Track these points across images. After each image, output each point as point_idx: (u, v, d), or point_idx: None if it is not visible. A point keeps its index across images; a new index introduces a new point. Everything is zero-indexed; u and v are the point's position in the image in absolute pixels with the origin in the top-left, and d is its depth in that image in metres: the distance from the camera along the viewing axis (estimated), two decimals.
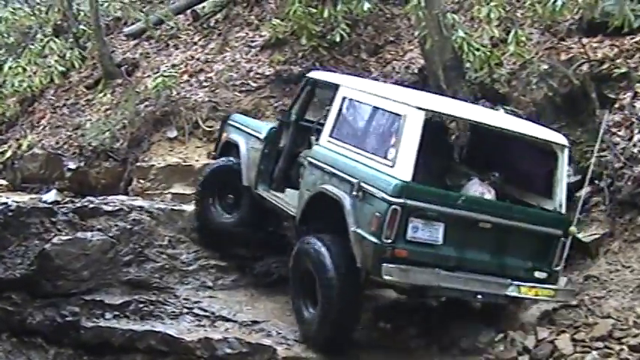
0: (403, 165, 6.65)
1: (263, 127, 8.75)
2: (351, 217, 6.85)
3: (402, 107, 6.91)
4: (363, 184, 6.82)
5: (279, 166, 8.38)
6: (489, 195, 7.45)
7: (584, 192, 8.18)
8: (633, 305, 7.13)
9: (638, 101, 8.50)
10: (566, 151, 7.34)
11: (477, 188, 7.51)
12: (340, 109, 7.62)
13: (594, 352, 6.59)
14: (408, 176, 6.61)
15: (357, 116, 7.52)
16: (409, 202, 6.57)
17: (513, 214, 7.06)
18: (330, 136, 7.58)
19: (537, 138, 7.34)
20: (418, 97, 7.31)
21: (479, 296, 6.99)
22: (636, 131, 8.24)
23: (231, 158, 8.97)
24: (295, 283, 7.63)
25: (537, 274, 7.16)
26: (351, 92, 7.63)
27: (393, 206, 6.53)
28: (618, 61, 8.97)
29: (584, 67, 9.11)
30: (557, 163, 7.27)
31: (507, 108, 9.11)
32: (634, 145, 8.20)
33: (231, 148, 9.05)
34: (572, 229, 7.19)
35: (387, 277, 6.57)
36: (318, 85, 8.34)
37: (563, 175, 7.29)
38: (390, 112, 7.02)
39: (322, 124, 7.86)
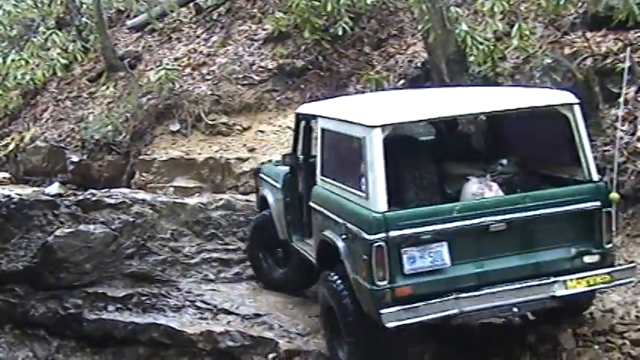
0: (375, 194, 5.85)
1: (280, 175, 8.07)
2: (348, 264, 6.18)
3: (358, 129, 6.13)
4: (348, 225, 6.13)
5: (305, 213, 7.53)
6: (490, 191, 6.51)
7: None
8: (636, 300, 7.09)
9: None
10: (577, 108, 6.30)
11: (475, 190, 6.57)
12: (322, 143, 6.94)
13: (596, 347, 6.58)
14: (382, 206, 5.82)
15: (334, 147, 6.81)
16: (392, 233, 5.77)
17: (529, 203, 6.09)
18: (322, 174, 6.93)
19: (539, 106, 6.39)
20: (376, 111, 6.38)
21: (515, 309, 6.02)
22: None
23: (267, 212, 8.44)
24: (325, 322, 6.93)
25: (587, 259, 6.16)
26: (325, 122, 6.93)
27: (375, 244, 5.75)
28: (622, 55, 8.94)
29: (588, 61, 9.08)
30: (571, 125, 6.28)
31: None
32: (638, 140, 8.18)
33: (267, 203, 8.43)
34: (614, 195, 6.23)
35: (390, 325, 5.76)
36: (307, 118, 7.64)
37: (583, 135, 6.28)
38: (352, 136, 6.27)
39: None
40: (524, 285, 5.99)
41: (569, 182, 6.45)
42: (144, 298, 8.43)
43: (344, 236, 6.21)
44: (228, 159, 11.50)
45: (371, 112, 6.44)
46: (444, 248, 5.93)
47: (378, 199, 5.84)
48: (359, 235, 5.94)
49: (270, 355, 7.57)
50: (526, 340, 6.96)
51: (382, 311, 5.74)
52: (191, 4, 14.90)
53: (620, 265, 6.59)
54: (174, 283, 8.75)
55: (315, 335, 7.63)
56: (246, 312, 8.17)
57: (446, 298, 5.82)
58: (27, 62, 13.67)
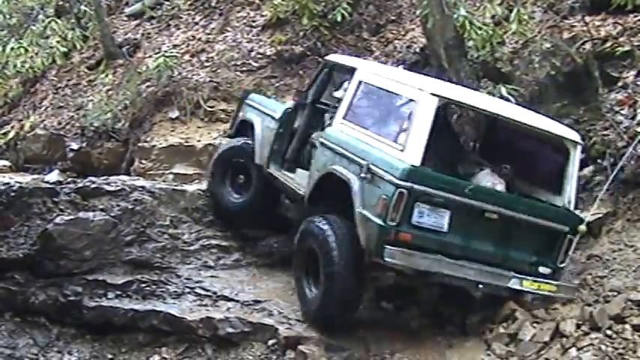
0: (413, 149, 6.67)
1: (279, 107, 8.79)
2: (357, 199, 6.88)
3: (415, 92, 6.93)
4: (371, 167, 6.84)
5: (292, 147, 8.38)
6: (500, 186, 7.43)
7: (587, 171, 8.18)
8: (636, 284, 7.10)
9: None
10: (579, 147, 7.29)
11: (489, 179, 7.49)
12: (355, 93, 7.62)
13: (597, 333, 6.57)
14: (417, 161, 6.63)
15: (372, 100, 7.54)
16: (416, 186, 6.58)
17: (521, 206, 7.02)
18: (344, 118, 7.60)
19: (550, 132, 7.29)
20: (433, 84, 7.31)
21: (480, 286, 6.97)
22: (639, 110, 8.20)
23: (246, 139, 8.97)
24: (299, 262, 7.65)
25: (541, 269, 7.16)
26: (367, 76, 7.63)
27: (400, 189, 6.55)
28: (621, 39, 8.91)
29: (587, 46, 9.06)
30: (569, 160, 7.24)
31: (509, 87, 9.04)
32: (637, 124, 8.16)
33: (247, 127, 9.07)
34: (582, 227, 7.15)
35: (389, 260, 6.60)
36: (336, 68, 8.33)
37: (574, 171, 7.25)
38: (404, 96, 7.06)
39: (336, 107, 7.86)
40: (493, 270, 6.96)
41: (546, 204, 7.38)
42: (143, 285, 8.43)
43: (362, 175, 6.87)
44: None
45: (428, 81, 7.45)
46: (447, 215, 6.79)
47: (414, 154, 6.65)
48: (385, 177, 6.67)
49: (270, 342, 7.59)
50: (526, 323, 7.00)
51: (387, 246, 6.56)
52: None
53: (567, 282, 7.43)
54: (174, 270, 8.74)
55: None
56: (246, 298, 8.20)
57: (433, 257, 6.69)
58: (26, 50, 13.60)
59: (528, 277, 7.04)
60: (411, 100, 6.91)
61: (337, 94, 8.19)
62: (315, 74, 8.73)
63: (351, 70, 7.86)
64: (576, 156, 7.25)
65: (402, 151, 6.74)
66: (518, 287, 7.02)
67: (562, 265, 7.22)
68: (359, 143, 7.19)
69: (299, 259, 7.64)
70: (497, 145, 8.20)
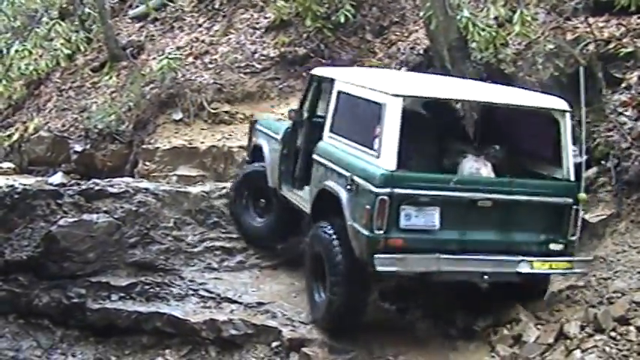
0: (387, 154, 6.59)
1: (281, 128, 8.75)
2: (347, 212, 6.86)
3: (381, 96, 6.85)
4: (354, 178, 6.81)
5: (298, 165, 8.30)
6: (485, 169, 7.25)
7: (590, 172, 8.16)
8: None
9: None
10: (568, 115, 7.11)
11: (472, 164, 7.32)
12: (337, 104, 7.59)
13: (600, 334, 6.56)
14: (392, 165, 6.55)
15: (350, 109, 7.45)
16: (397, 190, 6.52)
17: (514, 188, 6.89)
18: (331, 131, 7.58)
19: (535, 107, 7.19)
20: (398, 83, 7.20)
21: (485, 277, 6.87)
22: None
23: (262, 164, 8.96)
24: (309, 268, 7.63)
25: (553, 247, 6.99)
26: (343, 86, 7.57)
27: (380, 197, 6.50)
28: (625, 40, 8.89)
29: (591, 47, 9.03)
30: (560, 129, 7.08)
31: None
32: None
33: (260, 153, 9.05)
34: (582, 195, 6.97)
35: (381, 269, 6.56)
36: (321, 80, 8.28)
37: (568, 140, 7.07)
38: (373, 101, 6.96)
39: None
40: (497, 258, 6.82)
41: (548, 179, 7.21)
42: (147, 287, 8.46)
43: (348, 187, 6.87)
44: (231, 147, 11.49)
45: (393, 83, 7.26)
46: (436, 212, 6.70)
47: (389, 159, 6.56)
48: (365, 187, 6.65)
49: (274, 344, 7.60)
50: (530, 325, 6.99)
51: (376, 255, 6.51)
52: None
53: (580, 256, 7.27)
54: (178, 272, 8.76)
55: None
56: (250, 300, 8.21)
57: (429, 256, 6.61)
58: (30, 53, 13.61)
59: (538, 259, 6.88)
60: (379, 104, 6.82)
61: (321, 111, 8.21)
62: (304, 90, 8.69)
63: (331, 81, 7.83)
64: (566, 124, 7.08)
65: (377, 157, 6.68)
66: (528, 270, 6.86)
67: (573, 238, 7.03)
68: (344, 155, 7.17)
69: (309, 264, 7.62)
70: (490, 129, 8.06)
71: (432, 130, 7.88)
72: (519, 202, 6.90)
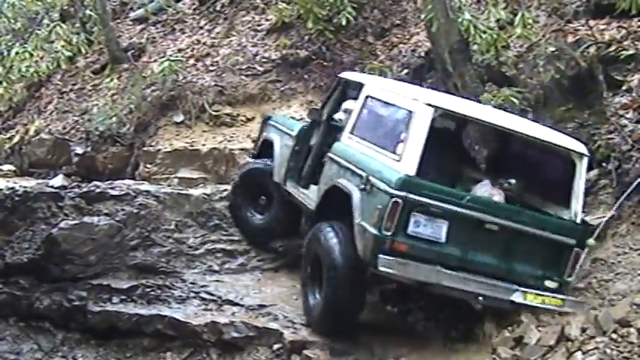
0: (408, 159, 6.68)
1: (296, 126, 8.87)
2: (357, 210, 6.90)
3: (412, 103, 6.97)
4: (370, 178, 6.86)
5: (308, 164, 8.39)
6: (498, 197, 7.35)
7: (591, 174, 8.16)
8: None
9: None
10: (585, 159, 7.18)
11: (487, 189, 7.43)
12: (362, 108, 7.68)
13: (601, 336, 6.55)
14: (412, 170, 6.63)
15: (376, 114, 7.54)
16: (411, 196, 6.57)
17: (522, 218, 6.94)
18: (351, 132, 7.65)
19: (555, 144, 7.21)
20: (430, 95, 7.31)
21: (480, 298, 6.89)
22: None
23: (267, 160, 9.04)
24: (305, 269, 7.65)
25: (548, 283, 7.05)
26: (373, 90, 7.69)
27: (394, 199, 6.55)
28: (626, 43, 8.90)
29: (592, 50, 9.05)
30: (576, 172, 7.14)
31: (513, 90, 9.02)
32: None
33: (268, 147, 9.12)
34: (591, 242, 7.09)
35: (383, 269, 6.59)
36: (348, 84, 8.36)
37: (581, 184, 7.14)
38: (402, 108, 7.07)
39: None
40: (494, 283, 6.86)
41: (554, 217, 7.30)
42: (148, 289, 8.44)
43: (362, 186, 6.91)
44: (232, 150, 11.51)
45: (425, 93, 7.50)
46: (444, 225, 6.74)
47: (410, 164, 6.66)
48: (381, 187, 6.70)
49: (275, 346, 7.58)
50: (531, 327, 6.99)
51: (380, 255, 6.54)
52: None
53: (574, 297, 7.26)
54: (179, 274, 8.75)
55: None
56: (251, 303, 8.19)
57: (431, 267, 6.65)
58: (31, 55, 13.65)
59: (532, 291, 6.94)
60: (408, 111, 6.94)
61: (337, 115, 8.28)
62: (329, 92, 8.79)
63: (360, 86, 7.91)
64: (582, 168, 7.15)
65: (398, 161, 6.77)
66: (521, 301, 6.91)
67: (569, 280, 7.11)
68: (362, 156, 7.25)
69: (305, 265, 7.65)
70: (505, 159, 8.16)
71: (451, 152, 8.09)
72: (525, 233, 6.93)
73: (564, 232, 7.05)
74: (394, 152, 6.88)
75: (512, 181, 7.56)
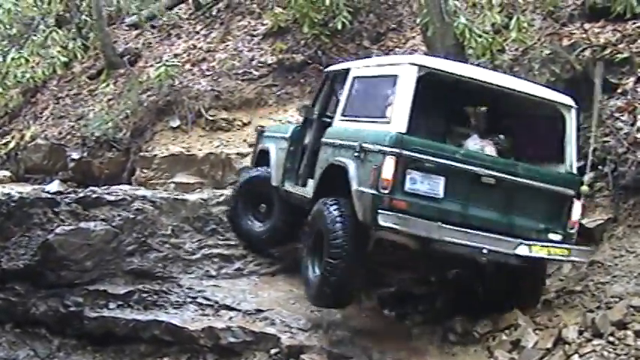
0: (398, 119, 6.73)
1: (289, 128, 8.91)
2: (354, 179, 6.91)
3: (396, 67, 7.06)
4: (363, 145, 6.89)
5: (304, 162, 8.39)
6: (489, 148, 7.36)
7: (587, 177, 8.17)
8: (638, 290, 7.08)
9: None
10: (574, 111, 7.22)
11: (477, 142, 7.43)
12: (350, 90, 7.73)
13: (599, 339, 6.56)
14: (402, 128, 6.68)
15: (364, 91, 7.61)
16: (404, 152, 6.61)
17: (518, 170, 6.95)
18: (342, 115, 7.72)
19: (543, 98, 7.24)
20: (414, 56, 7.45)
21: (485, 251, 6.74)
22: (639, 116, 8.20)
23: (265, 168, 9.04)
24: (307, 243, 7.62)
25: (552, 236, 7.02)
26: (358, 71, 7.78)
27: (388, 156, 6.59)
28: (620, 46, 8.92)
29: (587, 53, 9.07)
30: (566, 125, 7.17)
31: None
32: (637, 130, 8.17)
33: (265, 156, 9.13)
34: (584, 188, 7.09)
35: (383, 224, 6.55)
36: (336, 75, 8.39)
37: (572, 136, 7.17)
38: (388, 74, 7.14)
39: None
40: (497, 236, 6.79)
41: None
42: (145, 295, 8.44)
43: (356, 155, 6.94)
44: (229, 154, 11.49)
45: (409, 56, 7.56)
46: (441, 181, 6.77)
47: (400, 123, 6.70)
48: (374, 149, 6.75)
49: (273, 351, 7.58)
50: (528, 330, 6.99)
51: (380, 211, 6.53)
52: (190, 0, 14.90)
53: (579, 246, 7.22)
54: (176, 279, 8.75)
55: (317, 330, 7.64)
56: (248, 308, 8.19)
57: (431, 222, 6.59)
58: (27, 60, 13.60)
59: (537, 243, 6.88)
60: (394, 76, 6.98)
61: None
62: (318, 88, 8.80)
63: (346, 72, 7.98)
64: (572, 120, 7.17)
65: (388, 123, 6.81)
66: (527, 253, 6.84)
67: (572, 231, 7.07)
68: (354, 131, 7.29)
69: (307, 240, 7.62)
70: (494, 117, 8.08)
71: (439, 110, 8.04)
72: (522, 186, 6.93)
73: (562, 183, 7.06)
74: (384, 117, 6.92)
75: (502, 136, 7.57)
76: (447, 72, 7.16)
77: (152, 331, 8.08)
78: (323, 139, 7.79)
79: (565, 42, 9.48)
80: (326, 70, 8.76)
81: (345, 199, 7.06)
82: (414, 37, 12.00)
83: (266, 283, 8.80)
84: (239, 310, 8.17)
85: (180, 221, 9.32)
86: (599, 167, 8.39)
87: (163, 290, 8.53)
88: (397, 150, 6.59)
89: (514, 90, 7.21)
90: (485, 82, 7.17)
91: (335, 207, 7.12)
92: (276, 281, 8.86)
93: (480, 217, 6.87)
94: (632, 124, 8.27)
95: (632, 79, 8.59)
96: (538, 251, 6.88)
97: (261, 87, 12.54)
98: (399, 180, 6.63)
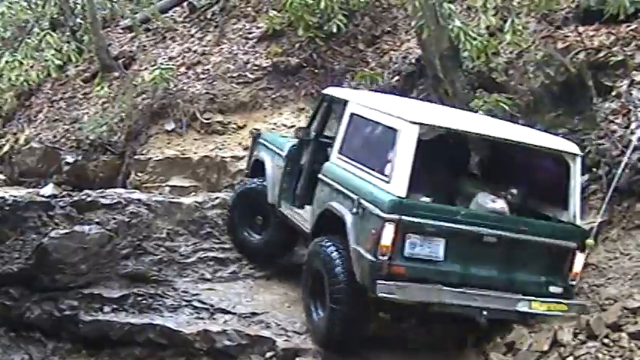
0: (398, 180, 6.54)
1: (286, 145, 8.68)
2: (351, 235, 6.78)
3: (397, 121, 6.83)
4: (362, 201, 6.74)
5: (301, 184, 8.20)
6: (500, 204, 7.16)
7: (582, 180, 8.17)
8: (632, 292, 7.09)
9: (634, 89, 8.46)
10: (579, 159, 7.13)
11: (487, 199, 7.25)
12: (348, 126, 7.54)
13: (593, 341, 6.57)
14: (402, 192, 6.50)
15: (362, 132, 7.41)
16: (404, 218, 6.45)
17: (521, 227, 6.86)
18: (340, 152, 7.53)
19: (547, 148, 7.15)
20: (415, 111, 7.18)
21: (484, 312, 6.78)
22: (633, 119, 8.22)
23: (262, 179, 8.93)
24: (306, 284, 7.54)
25: (552, 289, 6.97)
26: (357, 108, 7.54)
27: (387, 222, 6.42)
28: (615, 49, 8.94)
29: (581, 55, 9.09)
30: (570, 173, 7.07)
31: (503, 97, 9.05)
32: (631, 133, 8.17)
33: (262, 166, 9.01)
34: (589, 241, 7.02)
35: (381, 295, 6.45)
36: (333, 101, 8.22)
37: (577, 184, 7.09)
38: (388, 126, 6.93)
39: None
40: (497, 295, 6.77)
41: (553, 221, 7.22)
42: (140, 298, 8.41)
43: (355, 210, 6.78)
44: (224, 157, 11.50)
45: (410, 109, 7.20)
46: (441, 243, 6.62)
47: (399, 185, 6.51)
48: (373, 212, 6.55)
49: (268, 354, 7.57)
50: (522, 332, 6.99)
51: (378, 282, 6.40)
52: (185, 4, 14.89)
53: (577, 300, 7.22)
54: (171, 283, 8.73)
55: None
56: (243, 311, 8.17)
57: (431, 287, 6.53)
58: (21, 63, 13.61)
59: (537, 299, 6.86)
60: (394, 130, 6.78)
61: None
62: (314, 109, 8.68)
63: (344, 103, 7.77)
64: (577, 168, 7.09)
65: (387, 182, 6.62)
66: (527, 310, 6.83)
67: (573, 283, 7.04)
68: (352, 178, 7.10)
69: (306, 281, 7.53)
70: (500, 167, 8.09)
71: (442, 164, 7.87)
72: (524, 242, 6.87)
73: (564, 236, 6.99)
74: (383, 173, 6.74)
75: (514, 191, 7.42)
76: (449, 128, 7.04)
77: (147, 335, 8.05)
78: (320, 175, 7.61)
79: (559, 45, 9.49)
80: (324, 92, 8.60)
81: (344, 240, 6.94)
82: (409, 40, 12.01)
83: (261, 287, 8.79)
84: (234, 314, 8.15)
85: (176, 224, 9.30)
86: (594, 170, 8.40)
87: (158, 294, 8.50)
88: (397, 216, 6.42)
89: (519, 142, 7.09)
90: (490, 136, 7.10)
91: (334, 249, 7.02)
92: (271, 284, 8.85)
93: (480, 275, 6.81)
94: (627, 127, 8.29)
95: (626, 81, 8.60)
96: (538, 307, 6.85)
97: (256, 90, 12.54)
98: (399, 245, 6.49)
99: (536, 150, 7.18)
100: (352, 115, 7.54)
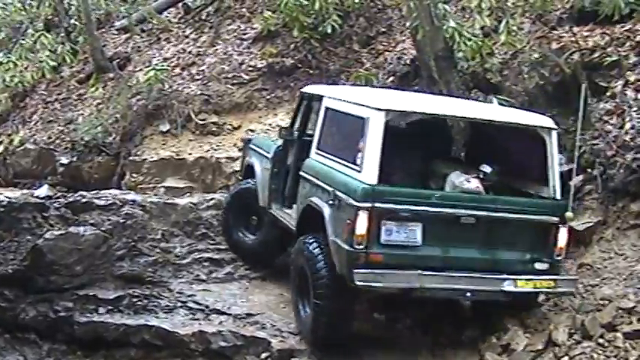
0: (368, 168, 6.52)
1: (272, 147, 8.71)
2: (329, 227, 6.79)
3: (364, 110, 6.82)
4: (337, 193, 6.75)
5: (288, 184, 8.24)
6: (474, 182, 7.10)
7: (576, 180, 8.19)
8: (627, 292, 7.10)
9: (629, 89, 8.48)
10: (554, 133, 7.07)
11: (460, 178, 7.18)
12: (324, 121, 7.56)
13: (588, 341, 6.58)
14: (373, 179, 6.49)
15: (336, 125, 7.42)
16: (377, 205, 6.44)
17: (498, 205, 6.80)
18: (317, 148, 7.54)
19: (522, 124, 7.11)
20: (381, 98, 7.15)
21: (468, 294, 6.75)
22: (628, 119, 8.23)
23: (254, 181, 8.96)
24: (293, 282, 7.57)
25: (538, 266, 6.90)
26: (331, 102, 7.55)
27: (361, 210, 6.41)
28: (609, 49, 8.96)
29: (576, 56, 9.09)
30: (547, 148, 7.02)
31: (500, 97, 9.08)
32: (626, 133, 8.19)
33: (253, 171, 9.04)
34: (569, 214, 6.88)
35: (360, 284, 6.45)
36: (311, 98, 8.23)
37: (554, 159, 7.02)
38: (357, 116, 6.90)
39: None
40: (480, 276, 6.70)
41: (534, 197, 7.18)
42: (135, 299, 8.39)
43: (331, 202, 6.80)
44: (219, 158, 11.51)
45: (377, 97, 7.17)
46: (418, 228, 6.62)
47: (370, 173, 6.48)
48: (347, 201, 6.56)
49: (263, 355, 7.57)
50: (518, 333, 7.00)
51: (355, 270, 6.40)
52: (180, 5, 14.89)
53: (565, 275, 7.20)
54: (166, 284, 8.72)
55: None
56: (239, 312, 8.17)
57: (411, 272, 6.49)
58: (15, 65, 13.61)
59: (522, 277, 6.77)
60: (362, 119, 6.76)
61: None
62: (295, 108, 8.69)
63: (320, 98, 7.79)
64: (553, 143, 7.02)
65: (359, 172, 6.61)
66: (512, 289, 6.74)
67: (559, 258, 6.97)
68: (329, 171, 7.12)
69: (293, 278, 7.56)
70: (478, 148, 8.04)
71: (418, 149, 7.78)
72: (504, 220, 6.82)
73: (544, 212, 6.92)
74: (355, 163, 6.72)
75: (487, 169, 7.34)
76: (417, 111, 7.08)
77: (142, 336, 8.03)
78: (301, 172, 7.65)
79: (554, 45, 9.50)
80: (302, 90, 8.64)
81: (325, 235, 6.94)
82: (403, 41, 12.02)
83: (256, 287, 8.79)
84: (229, 314, 8.15)
85: (171, 225, 9.31)
86: (589, 170, 8.41)
87: (153, 295, 8.49)
88: (369, 204, 6.40)
89: (493, 121, 7.10)
90: (463, 117, 7.15)
91: (316, 246, 7.03)
92: (266, 285, 8.85)
93: (461, 257, 6.77)
94: (621, 127, 8.30)
95: (621, 82, 8.61)
96: (524, 286, 6.78)
97: (251, 91, 12.56)
98: (374, 233, 6.47)
99: (511, 127, 7.12)
100: (327, 109, 7.55)
